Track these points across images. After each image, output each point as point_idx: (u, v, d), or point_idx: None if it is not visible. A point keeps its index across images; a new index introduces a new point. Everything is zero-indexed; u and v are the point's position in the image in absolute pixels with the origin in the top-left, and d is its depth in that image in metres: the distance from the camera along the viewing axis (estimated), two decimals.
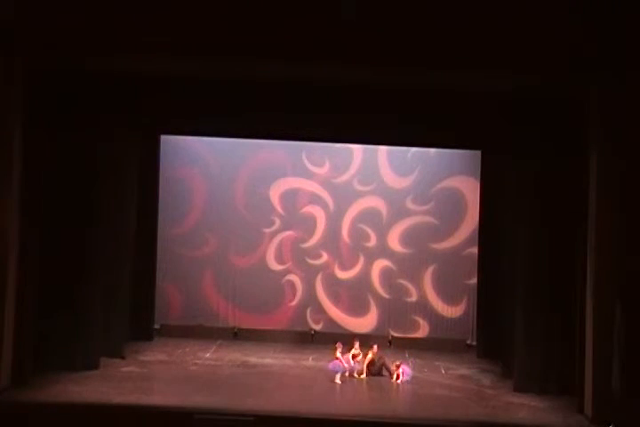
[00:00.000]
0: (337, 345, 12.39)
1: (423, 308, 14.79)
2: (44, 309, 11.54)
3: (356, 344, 12.48)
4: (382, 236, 14.89)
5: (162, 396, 10.93)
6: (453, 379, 12.51)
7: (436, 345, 14.47)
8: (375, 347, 12.66)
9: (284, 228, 14.99)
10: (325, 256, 14.97)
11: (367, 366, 12.36)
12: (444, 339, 14.68)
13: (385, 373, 12.39)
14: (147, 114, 12.30)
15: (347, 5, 9.97)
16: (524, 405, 11.11)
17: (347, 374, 12.10)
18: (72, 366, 11.63)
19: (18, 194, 10.93)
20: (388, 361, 12.48)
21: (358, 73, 10.94)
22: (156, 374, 12.14)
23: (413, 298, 14.82)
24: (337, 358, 12.19)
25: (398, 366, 12.24)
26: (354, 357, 12.28)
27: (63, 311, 11.75)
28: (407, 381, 12.11)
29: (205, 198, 15.01)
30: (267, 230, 14.99)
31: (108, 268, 12.49)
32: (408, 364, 12.66)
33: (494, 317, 13.50)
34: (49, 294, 11.63)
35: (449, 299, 14.76)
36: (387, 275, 14.87)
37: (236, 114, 11.99)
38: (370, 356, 12.45)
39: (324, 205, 14.98)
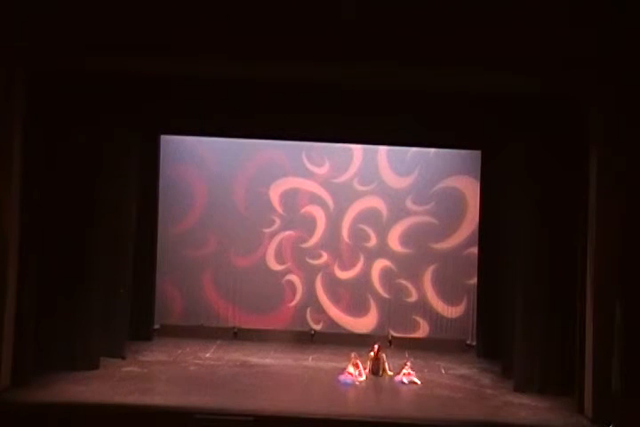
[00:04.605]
0: (353, 356, 12.31)
1: (423, 308, 14.78)
2: (43, 309, 11.54)
3: (354, 355, 12.42)
4: (382, 236, 14.89)
5: (162, 396, 10.92)
6: (453, 379, 12.51)
7: (436, 345, 14.46)
8: (377, 347, 12.68)
9: (284, 228, 14.99)
10: (325, 256, 14.97)
11: (372, 366, 12.43)
12: (444, 339, 14.67)
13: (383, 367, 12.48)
14: (147, 114, 12.29)
15: (347, 5, 9.97)
16: (524, 405, 11.10)
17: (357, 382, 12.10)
18: (72, 366, 11.63)
19: (18, 194, 10.93)
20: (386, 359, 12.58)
21: (358, 72, 10.92)
22: (155, 374, 12.14)
23: (413, 298, 14.82)
24: (349, 373, 12.11)
25: (406, 366, 12.28)
26: (356, 367, 12.24)
27: (63, 311, 11.75)
28: (404, 382, 12.12)
29: (205, 198, 15.00)
30: (267, 230, 14.99)
31: (107, 268, 12.49)
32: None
33: (494, 317, 13.50)
34: (49, 293, 11.63)
35: (449, 299, 14.75)
36: (387, 275, 14.87)
37: (236, 114, 11.98)
38: (372, 355, 12.53)
39: (324, 205, 14.98)
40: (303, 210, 15.01)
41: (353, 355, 12.35)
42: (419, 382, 12.08)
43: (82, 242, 11.92)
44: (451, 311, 14.75)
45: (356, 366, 12.21)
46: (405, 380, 12.12)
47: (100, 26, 10.09)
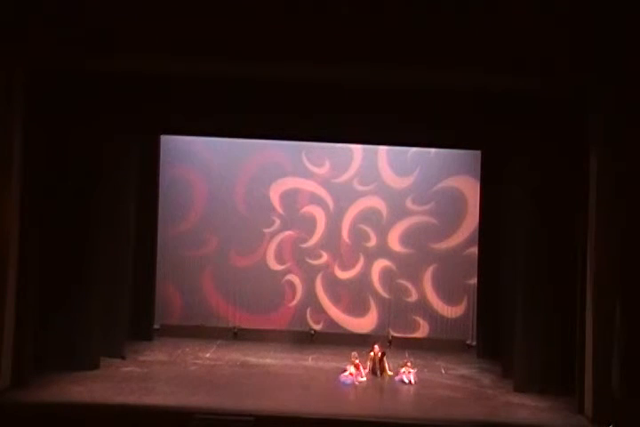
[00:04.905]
0: (353, 356, 12.32)
1: (423, 308, 14.78)
2: (44, 309, 11.55)
3: (355, 355, 12.43)
4: (382, 236, 14.89)
5: (162, 396, 10.92)
6: (453, 379, 12.51)
7: (436, 345, 14.47)
8: (376, 347, 12.69)
9: (283, 228, 14.99)
10: (325, 256, 14.97)
11: (372, 366, 12.46)
12: (444, 339, 14.67)
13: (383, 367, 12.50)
14: (147, 114, 12.30)
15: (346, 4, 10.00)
16: (524, 405, 11.12)
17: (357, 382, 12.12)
18: (72, 366, 11.63)
19: (18, 194, 10.94)
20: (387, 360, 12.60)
21: (358, 72, 10.93)
22: (155, 374, 12.14)
23: (413, 298, 14.82)
24: (350, 374, 12.11)
25: (407, 366, 12.29)
26: (357, 367, 12.24)
27: (63, 311, 11.76)
28: (404, 381, 12.13)
29: (205, 198, 15.00)
30: (267, 230, 14.99)
31: (107, 268, 12.49)
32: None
33: (494, 317, 13.51)
34: (49, 293, 11.64)
35: (449, 299, 14.75)
36: (387, 275, 14.87)
37: (236, 114, 11.98)
38: (371, 355, 12.55)
39: (324, 205, 14.98)
40: (303, 210, 15.01)
41: (354, 354, 12.35)
42: (413, 382, 12.08)
43: (82, 242, 11.93)
44: (451, 311, 14.75)
45: (357, 366, 12.22)
46: (405, 379, 12.12)
47: (99, 26, 10.11)
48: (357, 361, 12.26)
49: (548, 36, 9.97)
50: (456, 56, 10.11)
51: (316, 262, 14.98)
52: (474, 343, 14.40)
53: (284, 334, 14.75)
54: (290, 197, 14.98)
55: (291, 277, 14.98)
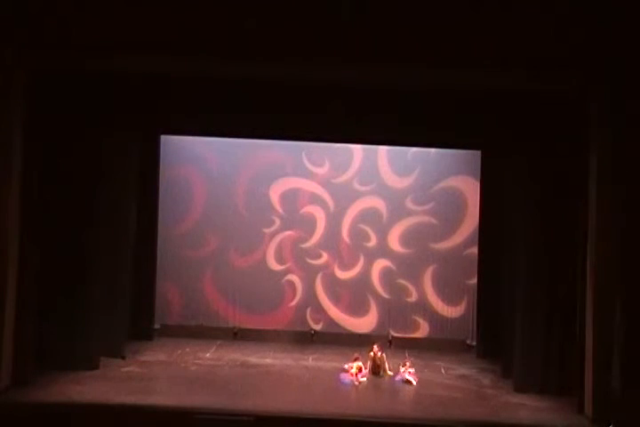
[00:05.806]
0: (355, 357, 12.31)
1: (423, 308, 14.78)
2: (43, 309, 11.55)
3: (356, 356, 12.43)
4: (382, 236, 14.88)
5: (162, 396, 10.93)
6: (453, 379, 12.51)
7: (436, 345, 14.46)
8: (376, 347, 12.69)
9: (283, 228, 14.98)
10: (325, 256, 14.96)
11: (372, 366, 12.46)
12: (444, 339, 14.66)
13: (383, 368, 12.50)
14: (147, 114, 12.30)
15: (346, 4, 9.99)
16: (524, 405, 11.12)
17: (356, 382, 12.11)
18: (72, 366, 11.64)
19: (18, 194, 10.94)
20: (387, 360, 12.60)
21: (359, 72, 10.93)
22: (155, 374, 12.14)
23: (413, 298, 14.81)
24: (351, 374, 12.11)
25: (406, 366, 12.29)
26: (360, 370, 12.22)
27: (63, 311, 11.76)
28: (403, 382, 12.13)
29: (205, 198, 15.00)
30: (267, 230, 14.99)
31: (107, 268, 12.49)
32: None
33: (494, 317, 13.50)
34: (49, 294, 11.64)
35: (449, 299, 14.74)
36: (387, 275, 14.86)
37: (236, 114, 11.98)
38: (371, 355, 12.55)
39: (324, 205, 14.98)
40: (303, 210, 15.00)
41: (356, 355, 12.34)
42: (413, 382, 12.07)
43: (82, 242, 11.93)
44: (451, 311, 14.74)
45: (358, 367, 12.19)
46: (405, 379, 12.11)
47: (99, 26, 10.11)
48: (359, 362, 12.24)
49: (548, 36, 9.97)
50: (456, 56, 10.11)
51: (316, 262, 14.98)
52: (474, 343, 14.38)
53: (284, 334, 14.75)
54: (290, 197, 14.97)
55: (291, 277, 14.98)
